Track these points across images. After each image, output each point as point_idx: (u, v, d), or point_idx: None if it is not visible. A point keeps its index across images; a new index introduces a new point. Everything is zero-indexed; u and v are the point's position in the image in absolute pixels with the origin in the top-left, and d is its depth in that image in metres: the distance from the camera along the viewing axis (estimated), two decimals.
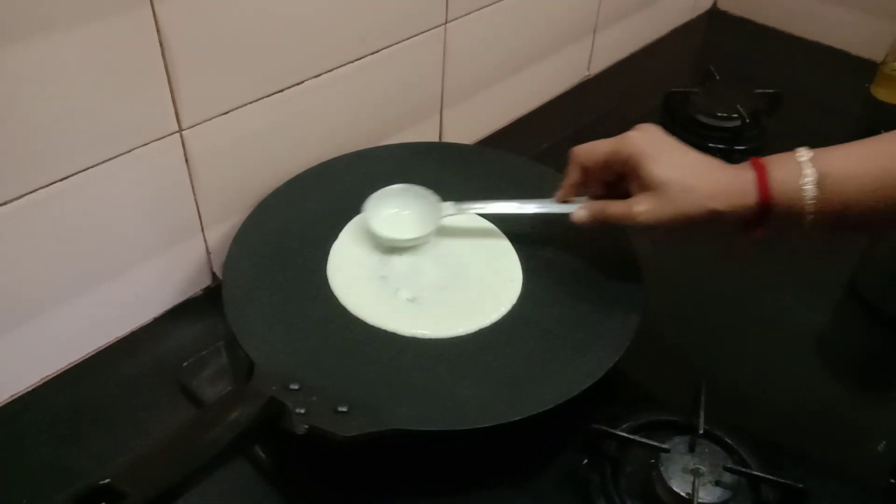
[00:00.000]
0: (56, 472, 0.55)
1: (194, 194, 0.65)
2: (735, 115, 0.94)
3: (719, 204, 0.54)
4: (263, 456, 0.56)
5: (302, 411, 0.49)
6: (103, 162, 0.57)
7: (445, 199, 0.68)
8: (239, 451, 0.42)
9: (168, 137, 0.61)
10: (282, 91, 0.67)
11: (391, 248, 0.67)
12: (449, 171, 0.75)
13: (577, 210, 0.62)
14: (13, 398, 0.60)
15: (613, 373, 0.56)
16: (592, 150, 0.60)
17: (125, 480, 0.35)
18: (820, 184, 0.51)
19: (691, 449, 0.54)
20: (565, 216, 0.63)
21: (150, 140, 0.60)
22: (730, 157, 0.64)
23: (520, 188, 0.71)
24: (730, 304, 0.73)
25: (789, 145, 0.54)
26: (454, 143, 0.80)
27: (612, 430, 0.55)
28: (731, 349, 0.68)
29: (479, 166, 0.77)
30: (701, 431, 0.55)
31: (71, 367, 0.63)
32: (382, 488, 0.55)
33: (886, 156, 0.51)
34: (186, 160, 0.63)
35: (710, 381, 0.59)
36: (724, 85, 1.01)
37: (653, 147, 0.57)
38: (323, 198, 0.71)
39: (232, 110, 0.64)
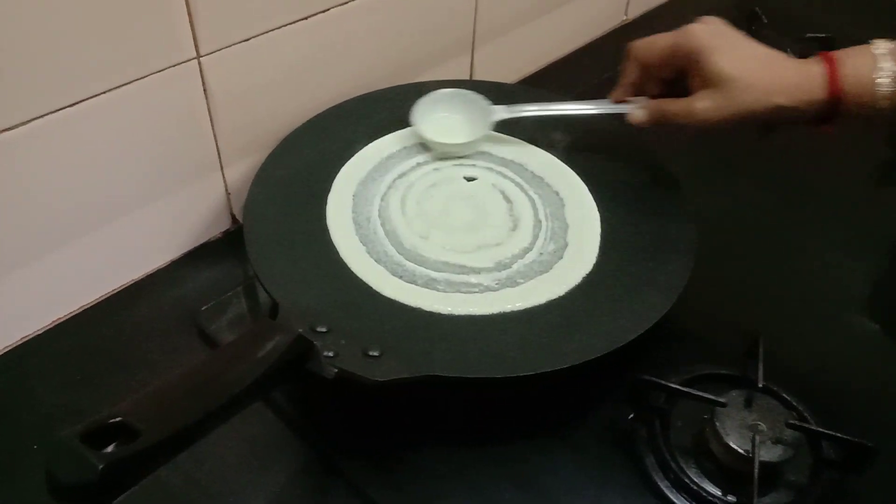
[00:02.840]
0: (68, 416, 0.52)
1: (213, 128, 0.61)
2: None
3: (785, 99, 0.51)
4: (285, 402, 0.53)
5: (331, 354, 0.45)
6: (116, 87, 0.53)
7: None
8: (263, 393, 0.38)
9: (185, 64, 0.56)
10: (306, 18, 0.62)
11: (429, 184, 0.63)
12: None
13: (634, 110, 0.59)
14: (23, 340, 0.57)
15: (660, 321, 0.52)
16: (652, 45, 0.57)
17: (139, 417, 0.32)
18: None
19: (748, 404, 0.50)
20: (621, 120, 0.60)
21: (167, 66, 0.55)
22: None
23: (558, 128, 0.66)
24: (782, 254, 0.68)
25: None
26: (488, 82, 0.75)
27: (664, 382, 0.51)
28: (785, 301, 0.64)
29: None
30: (760, 385, 0.51)
31: (83, 311, 0.60)
32: (413, 438, 0.52)
33: None
34: (205, 90, 0.59)
35: (765, 333, 0.54)
36: (771, 28, 0.95)
37: (717, 40, 0.54)
38: (349, 136, 0.67)
39: (253, 37, 0.59)
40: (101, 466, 0.30)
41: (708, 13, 1.08)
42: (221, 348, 0.39)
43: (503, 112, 0.65)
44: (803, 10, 1.05)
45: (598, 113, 0.62)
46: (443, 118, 0.66)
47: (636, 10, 1.04)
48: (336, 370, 0.44)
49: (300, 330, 0.45)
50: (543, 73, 0.92)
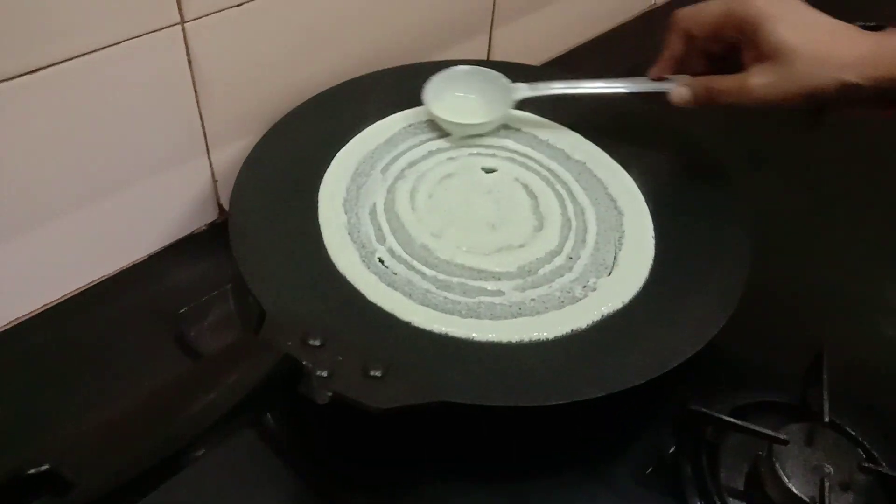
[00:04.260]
0: (28, 421, 0.46)
1: (198, 104, 0.53)
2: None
3: (857, 76, 0.45)
4: (272, 422, 0.45)
5: (325, 374, 0.37)
6: (84, 54, 0.46)
7: None
8: (238, 428, 0.31)
9: (168, 29, 0.49)
10: None
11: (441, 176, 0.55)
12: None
13: (678, 88, 0.52)
14: None
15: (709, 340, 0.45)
16: (701, 13, 0.51)
17: (73, 464, 0.24)
18: None
19: (810, 440, 0.43)
20: (661, 100, 0.53)
21: (146, 31, 0.48)
22: None
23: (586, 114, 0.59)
24: (843, 261, 0.61)
25: None
26: (509, 62, 0.67)
27: (714, 414, 0.44)
28: (850, 317, 0.56)
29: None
30: (826, 420, 0.44)
31: (45, 309, 0.53)
32: (420, 469, 0.45)
33: None
34: (189, 61, 0.51)
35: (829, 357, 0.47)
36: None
37: (776, 7, 0.47)
38: (351, 118, 0.59)
39: (245, 2, 0.52)
40: None
41: None
42: (188, 371, 0.31)
43: (526, 90, 0.58)
44: None
45: (634, 92, 0.55)
46: (458, 98, 0.60)
47: None
48: (330, 394, 0.36)
49: (289, 344, 0.38)
50: (565, 57, 0.85)
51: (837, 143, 0.69)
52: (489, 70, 0.60)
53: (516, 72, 0.62)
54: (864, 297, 0.58)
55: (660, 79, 0.54)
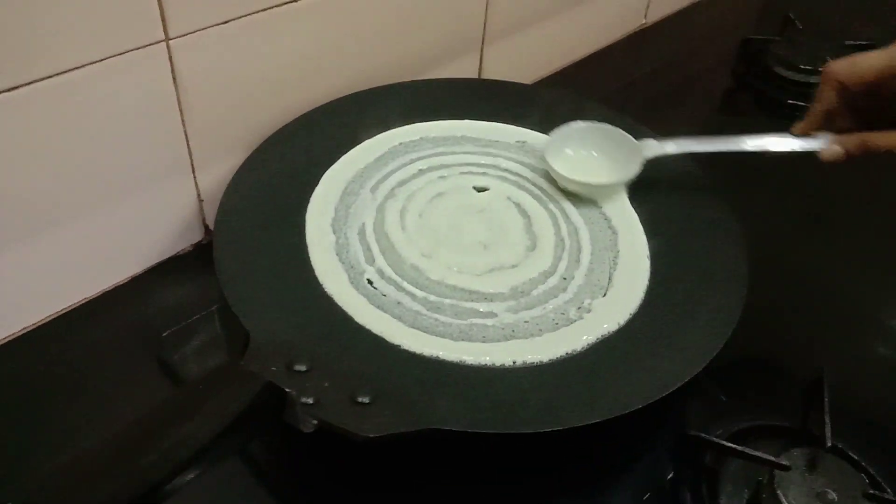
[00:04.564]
0: (2, 451, 0.44)
1: (183, 123, 0.52)
2: (821, 70, 0.80)
3: None
4: (256, 447, 0.44)
5: (310, 401, 0.36)
6: (65, 72, 0.45)
7: None
8: (220, 457, 0.29)
9: (152, 47, 0.48)
10: (295, 1, 0.54)
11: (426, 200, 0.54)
12: (494, 111, 0.62)
13: (830, 145, 0.50)
14: None
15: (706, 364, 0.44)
16: (859, 65, 0.48)
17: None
18: None
19: (812, 466, 0.42)
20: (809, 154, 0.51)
21: (130, 48, 0.47)
22: None
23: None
24: (842, 284, 0.60)
25: None
26: (500, 81, 0.67)
27: (714, 440, 0.42)
28: (850, 339, 0.55)
29: (527, 106, 0.63)
30: (829, 444, 0.42)
31: (25, 333, 0.51)
32: (412, 499, 0.43)
33: None
34: (174, 79, 0.50)
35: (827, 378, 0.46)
36: (807, 35, 0.87)
37: None
38: (339, 139, 0.58)
39: (231, 20, 0.51)
40: None
41: (733, 19, 1.01)
42: (166, 401, 0.30)
43: (654, 147, 0.56)
44: (840, 17, 0.97)
45: (779, 150, 0.53)
46: (580, 156, 0.57)
47: (656, 14, 0.97)
48: (316, 423, 0.35)
49: (274, 369, 0.37)
50: (557, 76, 0.84)
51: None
52: (613, 128, 0.57)
53: (508, 90, 0.61)
54: (862, 317, 0.57)
55: (806, 134, 0.52)
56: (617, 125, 0.57)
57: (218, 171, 0.56)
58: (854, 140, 0.48)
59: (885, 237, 0.64)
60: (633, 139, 0.56)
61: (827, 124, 0.51)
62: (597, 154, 0.57)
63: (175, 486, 0.27)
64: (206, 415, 0.28)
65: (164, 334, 0.51)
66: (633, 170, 0.55)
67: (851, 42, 0.83)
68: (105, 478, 0.25)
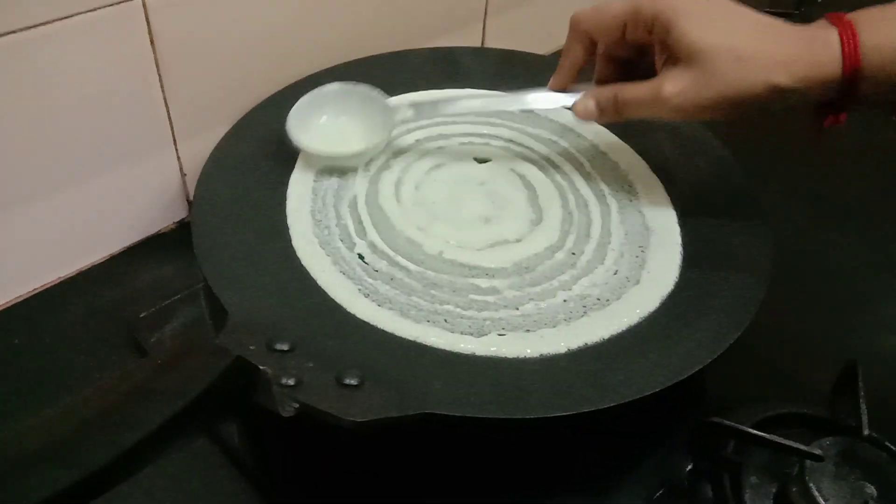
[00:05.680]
0: None
1: (162, 88, 0.49)
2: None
3: (786, 77, 0.38)
4: (231, 432, 0.41)
5: (291, 382, 0.32)
6: (36, 25, 0.41)
7: None
8: (183, 436, 0.25)
9: (127, 3, 0.44)
10: None
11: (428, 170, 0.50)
12: (489, 80, 0.58)
13: (580, 100, 0.45)
14: None
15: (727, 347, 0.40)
16: (603, 14, 0.44)
17: None
18: None
19: (847, 456, 0.38)
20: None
21: (104, 4, 0.44)
22: None
23: None
24: (876, 262, 0.56)
25: None
26: (499, 49, 0.63)
27: (736, 426, 0.39)
28: (884, 321, 0.51)
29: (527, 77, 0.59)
30: (865, 433, 0.38)
31: None
32: (404, 494, 0.40)
33: None
34: (152, 41, 0.47)
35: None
36: (825, 9, 0.83)
37: (690, 2, 0.40)
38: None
39: None
40: None
41: None
42: (125, 371, 0.26)
43: (407, 112, 0.50)
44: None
45: (529, 108, 0.50)
46: (331, 124, 0.51)
47: None
48: (297, 406, 0.31)
49: (251, 348, 0.33)
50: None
51: (856, 149, 0.65)
52: (364, 86, 0.51)
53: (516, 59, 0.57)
54: (890, 306, 0.53)
55: (561, 90, 0.47)
56: None
57: (202, 144, 0.52)
58: (607, 93, 0.44)
59: None
60: (385, 100, 0.50)
61: (586, 77, 0.47)
62: (350, 119, 0.51)
63: (118, 476, 0.23)
64: (162, 393, 0.25)
65: (142, 315, 0.47)
66: (385, 135, 0.50)
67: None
68: (61, 448, 0.21)
